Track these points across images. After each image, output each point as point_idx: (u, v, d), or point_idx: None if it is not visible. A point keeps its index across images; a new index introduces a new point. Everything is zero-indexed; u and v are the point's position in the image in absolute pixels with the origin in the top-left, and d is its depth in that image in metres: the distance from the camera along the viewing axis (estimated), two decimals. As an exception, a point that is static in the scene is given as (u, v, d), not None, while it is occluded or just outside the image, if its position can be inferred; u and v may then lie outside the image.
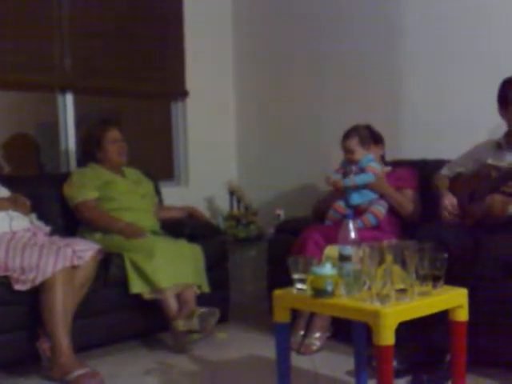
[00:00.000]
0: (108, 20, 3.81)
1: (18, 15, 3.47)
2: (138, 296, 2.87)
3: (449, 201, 2.66)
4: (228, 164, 4.38)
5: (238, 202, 4.09)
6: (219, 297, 3.24)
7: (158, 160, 4.49)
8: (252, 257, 3.99)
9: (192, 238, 3.19)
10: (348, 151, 3.09)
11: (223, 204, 4.17)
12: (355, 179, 3.01)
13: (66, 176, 3.26)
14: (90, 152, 3.28)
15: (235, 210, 4.07)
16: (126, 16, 3.89)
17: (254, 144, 4.34)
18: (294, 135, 4.05)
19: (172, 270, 2.89)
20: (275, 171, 4.16)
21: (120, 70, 3.86)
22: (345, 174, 3.07)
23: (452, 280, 2.00)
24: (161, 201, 3.61)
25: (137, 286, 2.86)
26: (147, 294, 2.87)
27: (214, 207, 4.23)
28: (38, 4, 3.54)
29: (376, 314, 1.76)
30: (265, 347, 2.79)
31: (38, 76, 3.56)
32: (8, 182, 3.02)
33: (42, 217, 3.00)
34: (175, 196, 3.80)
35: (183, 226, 3.33)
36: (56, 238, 2.82)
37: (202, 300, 2.97)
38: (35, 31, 3.53)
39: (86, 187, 3.12)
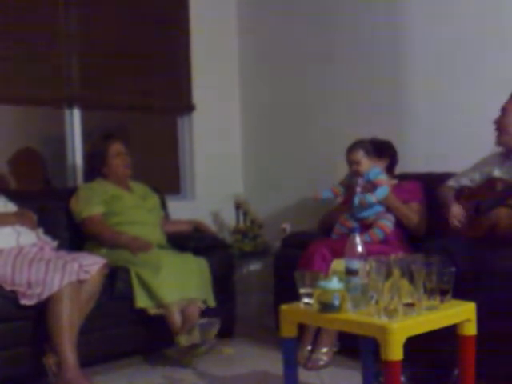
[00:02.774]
0: (115, 36, 3.85)
1: (26, 32, 3.50)
2: (143, 310, 2.87)
3: (456, 210, 2.65)
4: (234, 178, 4.38)
5: (244, 215, 4.09)
6: (225, 311, 3.22)
7: (165, 174, 4.50)
8: (258, 271, 3.98)
9: (198, 251, 3.19)
10: (353, 163, 3.08)
11: (229, 218, 4.17)
12: (377, 195, 2.96)
13: (72, 191, 3.27)
14: (95, 168, 3.29)
15: (241, 224, 4.07)
16: (133, 31, 3.92)
17: (260, 158, 4.35)
18: (301, 149, 4.05)
19: (177, 285, 2.88)
20: (281, 185, 4.16)
21: (127, 85, 3.89)
22: (350, 188, 3.07)
23: (460, 294, 1.98)
24: (167, 215, 3.61)
25: (142, 301, 2.86)
26: (152, 309, 2.86)
27: (220, 221, 4.23)
28: (47, 20, 3.58)
29: (384, 329, 1.75)
30: (271, 362, 2.77)
31: (46, 91, 3.59)
32: (15, 196, 3.03)
33: (48, 231, 3.01)
34: (181, 210, 3.80)
35: (189, 240, 3.34)
36: (63, 253, 2.82)
37: (207, 314, 2.95)
38: (43, 47, 3.57)
39: (92, 202, 3.13)
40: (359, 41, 3.68)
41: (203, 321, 2.80)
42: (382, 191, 2.98)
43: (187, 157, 4.26)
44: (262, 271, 3.91)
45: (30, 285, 2.56)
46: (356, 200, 2.99)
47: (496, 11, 3.10)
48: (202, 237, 3.43)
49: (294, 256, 3.00)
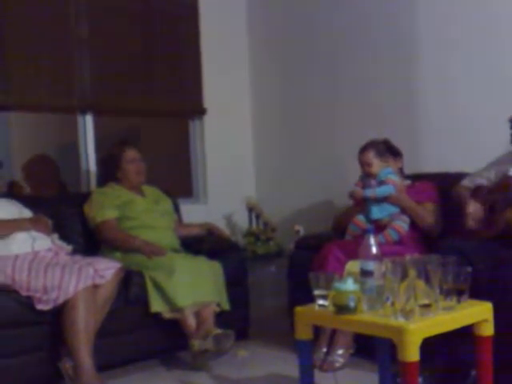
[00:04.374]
0: (126, 41, 3.88)
1: (38, 39, 3.54)
2: (157, 314, 2.88)
3: (473, 208, 2.63)
4: (246, 181, 4.39)
5: (257, 218, 4.09)
6: (239, 314, 3.22)
7: (177, 178, 4.52)
8: (271, 273, 3.98)
9: (211, 254, 3.19)
10: (365, 164, 3.07)
11: (242, 221, 4.17)
12: (375, 191, 2.99)
13: (86, 196, 3.30)
14: (109, 172, 3.31)
15: (254, 227, 4.07)
16: (144, 37, 3.95)
17: (272, 160, 4.35)
18: (313, 151, 4.05)
19: (191, 288, 2.89)
20: (294, 187, 4.16)
21: (138, 90, 3.92)
22: (364, 188, 3.06)
23: (477, 294, 1.97)
24: (180, 218, 3.62)
25: (157, 305, 2.87)
26: (167, 313, 2.87)
27: (233, 224, 4.24)
28: (58, 28, 3.61)
29: (400, 330, 1.74)
30: (286, 364, 2.77)
31: (59, 98, 3.63)
32: (30, 202, 3.06)
33: (63, 236, 3.04)
34: (194, 213, 3.81)
35: (202, 243, 3.34)
36: (78, 258, 2.84)
37: (221, 317, 2.96)
38: (55, 55, 3.60)
39: (106, 207, 3.15)
40: (371, 41, 3.67)
41: (219, 331, 2.79)
42: (384, 189, 2.98)
43: (199, 160, 4.27)
44: (276, 274, 3.90)
45: (45, 290, 2.57)
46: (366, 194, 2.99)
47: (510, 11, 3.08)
48: (215, 240, 3.43)
49: (308, 258, 2.99)
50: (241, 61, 4.39)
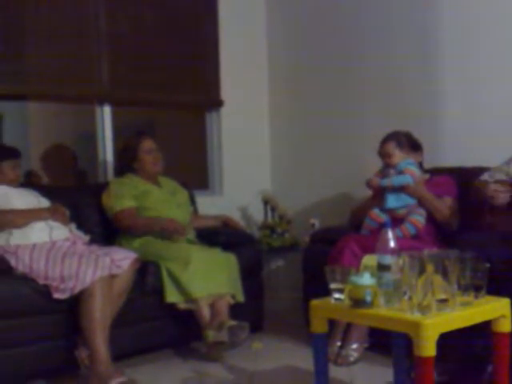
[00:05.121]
0: (143, 33, 3.88)
1: (57, 30, 3.55)
2: (172, 305, 2.89)
3: (494, 187, 2.59)
4: (262, 173, 4.38)
5: (272, 211, 4.09)
6: (254, 306, 3.23)
7: (193, 170, 4.52)
8: (286, 266, 3.98)
9: (226, 246, 3.20)
10: (385, 155, 3.05)
11: (257, 213, 4.17)
12: (392, 180, 2.97)
13: (104, 186, 3.31)
14: (126, 163, 3.32)
15: (269, 219, 4.07)
16: (162, 28, 3.95)
17: (288, 153, 4.34)
18: (329, 144, 4.03)
19: (206, 280, 2.90)
20: (309, 180, 4.15)
21: (156, 81, 3.92)
22: (382, 178, 3.04)
23: (494, 290, 1.95)
24: (196, 210, 3.63)
25: (172, 295, 2.88)
26: (181, 303, 2.89)
27: (248, 216, 4.24)
28: (77, 20, 3.63)
29: (417, 325, 1.73)
30: (301, 357, 2.77)
31: (77, 88, 3.65)
32: (47, 192, 3.08)
33: (80, 226, 3.06)
34: (210, 205, 3.82)
35: (218, 235, 3.35)
36: (95, 247, 2.86)
37: (236, 309, 2.97)
38: (73, 45, 3.62)
39: (124, 197, 3.16)
40: (388, 40, 3.64)
41: (233, 323, 2.79)
42: (401, 179, 2.95)
43: (215, 152, 4.27)
44: (291, 266, 3.90)
45: (62, 279, 2.59)
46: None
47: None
48: (230, 232, 3.44)
49: (323, 251, 2.99)
50: (259, 53, 4.38)
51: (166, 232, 3.08)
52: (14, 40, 3.42)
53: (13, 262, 2.67)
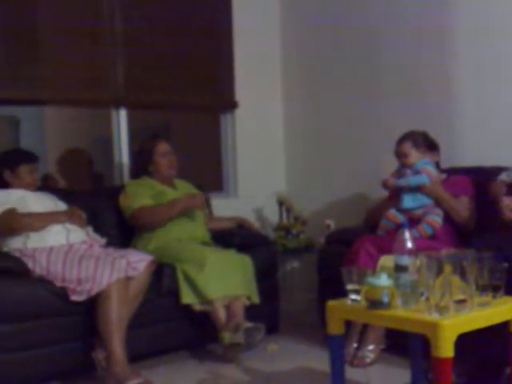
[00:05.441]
0: (158, 36, 3.90)
1: (73, 34, 3.59)
2: (188, 306, 2.90)
3: (509, 201, 2.57)
4: (277, 175, 4.38)
5: (287, 212, 4.08)
6: (269, 308, 3.23)
7: (208, 172, 4.54)
8: (301, 267, 3.97)
9: (242, 248, 3.20)
10: (401, 155, 3.04)
11: (272, 215, 4.17)
12: (408, 180, 2.95)
13: (120, 189, 3.32)
14: (142, 166, 3.34)
15: (284, 221, 4.06)
16: (176, 30, 3.96)
17: (302, 154, 4.33)
18: (344, 144, 4.02)
19: (221, 281, 2.90)
20: (324, 181, 4.14)
21: (170, 84, 3.94)
22: (398, 178, 3.03)
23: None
24: (211, 212, 3.64)
25: (188, 297, 2.89)
26: (197, 305, 2.89)
27: (263, 218, 4.24)
28: (92, 23, 3.65)
29: (435, 326, 1.72)
30: (316, 358, 2.76)
31: (93, 92, 3.68)
32: (64, 195, 3.11)
33: (97, 229, 3.08)
34: (225, 207, 3.83)
35: (233, 237, 3.35)
36: (111, 250, 2.88)
37: (251, 311, 2.96)
38: (88, 49, 3.64)
39: (141, 196, 3.18)
40: (404, 39, 3.61)
41: (249, 325, 2.79)
42: (418, 179, 2.93)
43: (230, 154, 4.28)
44: (306, 268, 3.89)
45: (79, 281, 2.61)
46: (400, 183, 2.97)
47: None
48: (245, 234, 3.44)
49: (338, 252, 2.98)
50: (273, 53, 4.38)
51: (189, 206, 3.14)
52: (30, 45, 3.46)
53: (30, 265, 2.69)
